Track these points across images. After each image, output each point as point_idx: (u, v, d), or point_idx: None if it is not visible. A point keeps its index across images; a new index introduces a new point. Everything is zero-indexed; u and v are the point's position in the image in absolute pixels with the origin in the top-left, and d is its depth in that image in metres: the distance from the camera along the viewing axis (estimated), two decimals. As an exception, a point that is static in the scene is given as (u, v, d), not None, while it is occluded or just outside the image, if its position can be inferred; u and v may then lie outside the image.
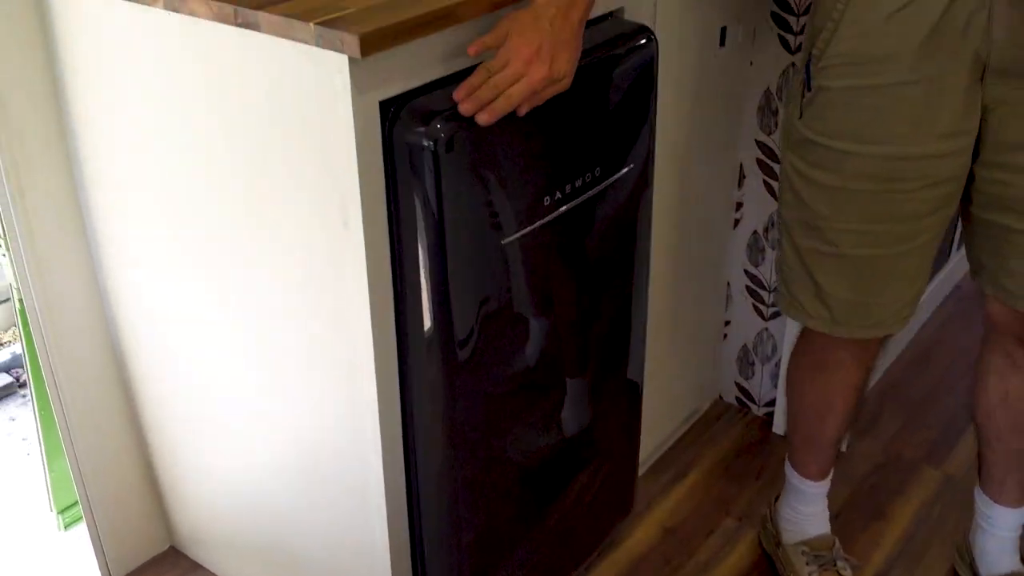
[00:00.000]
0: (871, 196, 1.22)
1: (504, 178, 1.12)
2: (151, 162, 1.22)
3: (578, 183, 1.20)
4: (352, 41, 0.93)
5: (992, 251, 1.27)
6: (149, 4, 1.08)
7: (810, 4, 1.25)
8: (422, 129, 1.02)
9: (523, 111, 1.05)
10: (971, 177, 1.24)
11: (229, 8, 1.01)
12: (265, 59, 1.03)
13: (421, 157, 1.03)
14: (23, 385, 2.15)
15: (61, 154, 1.30)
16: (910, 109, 1.17)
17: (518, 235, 1.15)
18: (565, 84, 1.07)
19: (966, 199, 1.27)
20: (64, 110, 1.27)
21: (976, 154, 1.21)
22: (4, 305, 2.32)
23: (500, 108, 1.03)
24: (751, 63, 1.64)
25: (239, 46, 1.04)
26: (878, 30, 1.14)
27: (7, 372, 2.20)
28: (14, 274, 1.33)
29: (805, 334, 1.46)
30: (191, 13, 1.05)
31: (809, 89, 1.21)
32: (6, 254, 1.33)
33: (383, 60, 0.98)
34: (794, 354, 1.51)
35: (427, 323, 1.13)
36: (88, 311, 1.40)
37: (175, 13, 1.07)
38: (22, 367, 2.04)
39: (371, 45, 0.94)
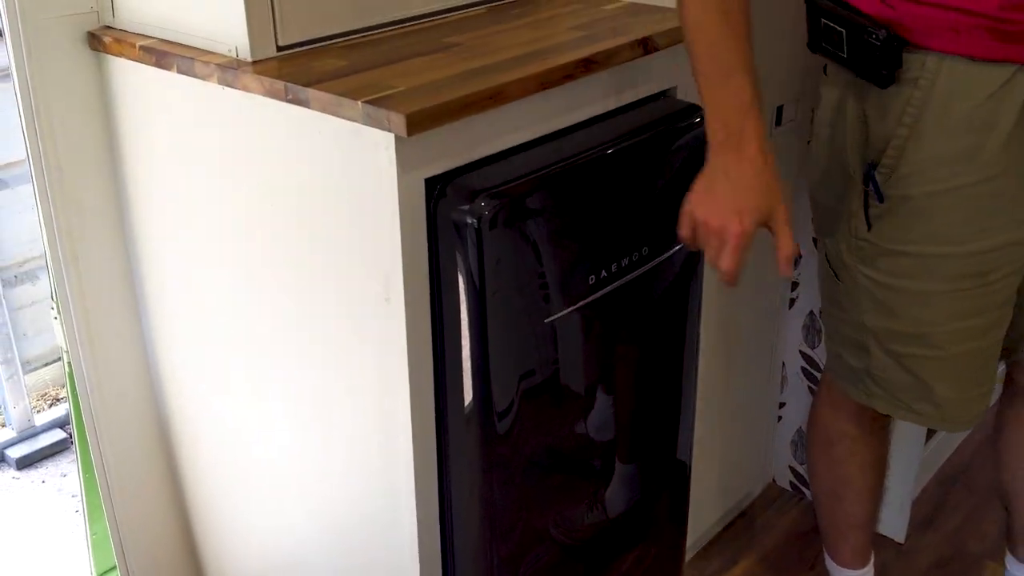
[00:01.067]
0: (969, 293, 1.17)
1: (548, 256, 1.10)
2: (199, 230, 1.24)
3: (624, 262, 1.18)
4: (399, 120, 0.94)
5: None
6: (204, 79, 1.11)
7: (841, 112, 1.19)
8: (466, 206, 1.02)
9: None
10: None
11: (280, 84, 1.03)
12: (314, 134, 1.04)
13: (465, 234, 1.02)
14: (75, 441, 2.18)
15: (115, 221, 1.32)
16: (1002, 200, 1.12)
17: (562, 313, 1.13)
18: (769, 214, 1.05)
19: None
20: (119, 178, 1.30)
21: None
22: (60, 363, 2.37)
23: (732, 269, 1.06)
24: (808, 141, 1.61)
25: (290, 121, 1.05)
26: (962, 127, 1.09)
27: (61, 428, 2.23)
28: (64, 338, 1.35)
29: (813, 410, 1.42)
30: (244, 88, 1.07)
31: (880, 201, 1.16)
32: (58, 317, 1.35)
33: (429, 138, 0.98)
34: (807, 434, 1.47)
35: (467, 398, 1.11)
36: (134, 376, 1.41)
37: (229, 88, 1.08)
38: (75, 424, 2.06)
39: (417, 124, 0.94)
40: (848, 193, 1.20)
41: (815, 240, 1.66)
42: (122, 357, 1.39)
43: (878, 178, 1.15)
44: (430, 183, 1.02)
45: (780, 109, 1.53)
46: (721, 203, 1.04)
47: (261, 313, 1.21)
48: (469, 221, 1.01)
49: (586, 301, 1.15)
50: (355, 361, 1.12)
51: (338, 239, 1.07)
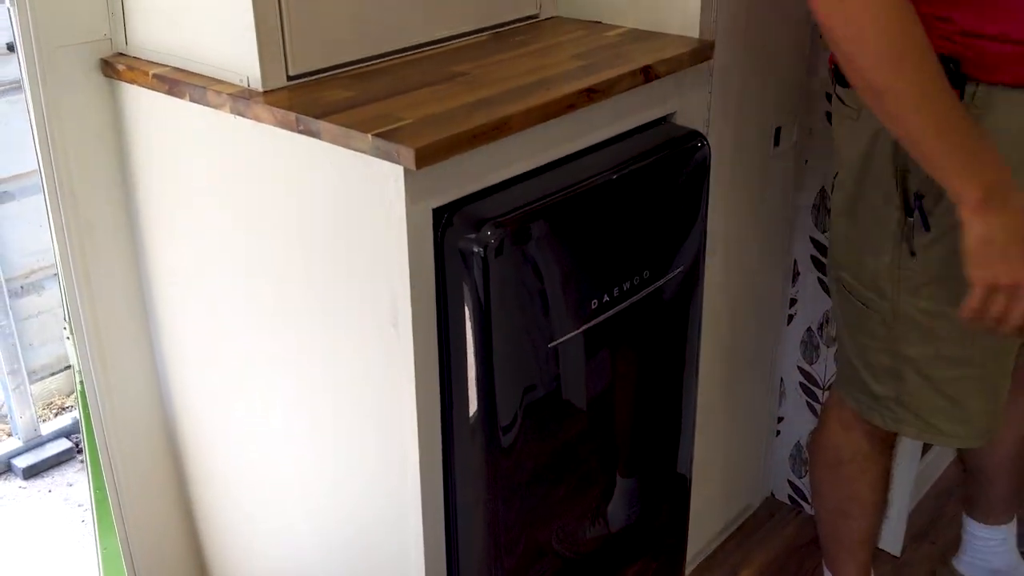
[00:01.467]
0: None
1: (552, 282, 1.13)
2: (209, 254, 1.26)
3: (626, 286, 1.21)
4: (408, 153, 0.96)
5: None
6: (216, 108, 1.13)
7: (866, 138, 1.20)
8: (473, 235, 1.04)
9: None
10: None
11: (292, 116, 1.05)
12: (324, 164, 1.06)
13: (471, 262, 1.05)
14: (81, 451, 2.20)
15: (127, 243, 1.34)
16: None
17: (565, 337, 1.16)
18: None
19: None
20: (131, 201, 1.32)
21: None
22: (66, 372, 2.39)
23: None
24: (806, 161, 1.64)
25: (300, 150, 1.08)
26: (1004, 153, 1.10)
27: (67, 437, 2.25)
28: (77, 357, 1.37)
29: (820, 431, 1.44)
30: (255, 118, 1.09)
31: (927, 229, 1.17)
32: (70, 336, 1.37)
33: (437, 170, 1.00)
34: (811, 453, 1.49)
35: (472, 415, 1.13)
36: (145, 395, 1.44)
37: (240, 117, 1.11)
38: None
39: (426, 158, 0.97)
40: (886, 223, 1.20)
41: (813, 259, 1.69)
42: (133, 376, 1.41)
43: (923, 207, 1.16)
44: (437, 212, 1.04)
45: (778, 131, 1.55)
46: (1013, 260, 1.04)
47: (270, 335, 1.24)
48: (475, 250, 1.04)
49: (589, 325, 1.18)
50: (363, 383, 1.15)
51: (348, 264, 1.09)
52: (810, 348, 1.75)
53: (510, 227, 1.05)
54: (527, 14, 1.40)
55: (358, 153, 1.01)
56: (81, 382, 1.40)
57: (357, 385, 1.16)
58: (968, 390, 1.25)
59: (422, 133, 0.99)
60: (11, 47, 1.27)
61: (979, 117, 1.10)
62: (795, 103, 1.58)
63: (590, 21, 1.40)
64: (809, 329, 1.73)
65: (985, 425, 1.29)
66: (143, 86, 1.21)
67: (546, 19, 1.42)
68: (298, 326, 1.19)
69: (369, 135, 0.99)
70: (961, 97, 1.10)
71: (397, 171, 0.99)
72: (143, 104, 1.24)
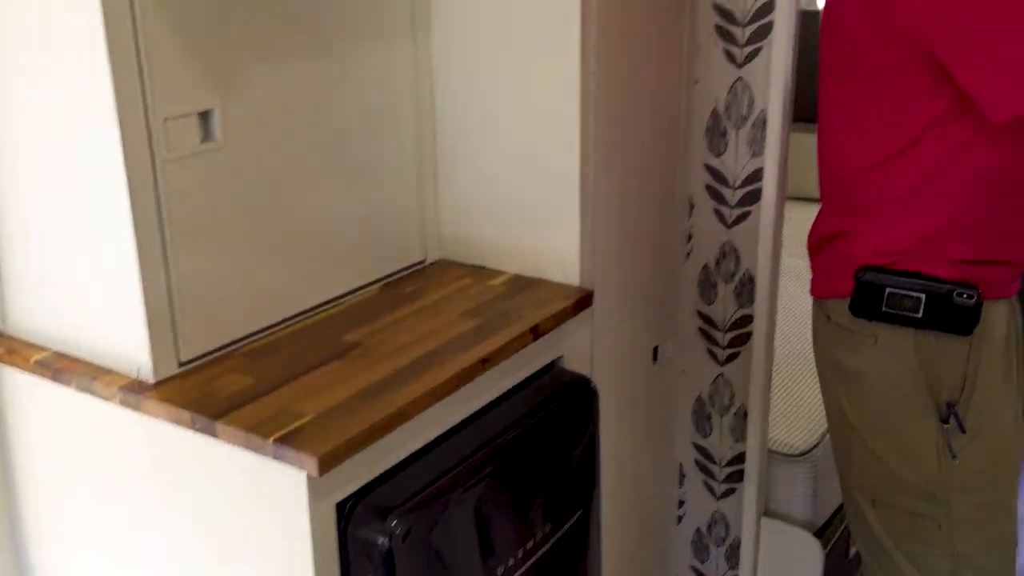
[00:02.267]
0: None
1: (458, 559, 1.13)
2: (97, 545, 1.21)
3: (529, 545, 1.23)
4: (311, 461, 0.97)
5: None
6: (105, 399, 1.11)
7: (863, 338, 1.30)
8: (376, 525, 1.04)
9: None
10: None
11: (187, 414, 1.04)
12: (222, 461, 1.05)
13: (375, 552, 1.04)
14: None
15: (5, 531, 1.28)
16: None
17: (473, 609, 1.16)
18: None
19: None
20: (10, 487, 1.26)
21: None
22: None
23: None
24: (683, 371, 1.72)
25: (197, 445, 1.06)
26: (1003, 350, 1.23)
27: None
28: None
29: None
30: (148, 412, 1.08)
31: (963, 431, 1.26)
32: (-61, 623, 1.29)
33: (339, 469, 1.00)
34: None
35: None
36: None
37: (133, 411, 1.09)
38: None
39: (328, 463, 0.97)
40: (925, 434, 1.28)
41: (697, 462, 1.74)
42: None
43: (958, 412, 1.25)
44: (339, 503, 1.04)
45: (656, 349, 1.63)
46: None
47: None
48: (380, 540, 1.04)
49: (496, 591, 1.18)
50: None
51: (248, 561, 1.07)
52: (700, 548, 1.79)
53: (412, 513, 1.06)
54: (414, 261, 1.44)
55: (259, 455, 1.00)
56: (-49, 671, 1.30)
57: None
58: (1006, 565, 1.34)
59: (323, 432, 1.00)
60: None
61: (984, 328, 1.23)
62: (668, 323, 1.66)
63: (474, 266, 1.45)
64: (698, 530, 1.79)
65: None
66: (23, 370, 1.18)
67: (432, 263, 1.46)
68: (197, 620, 1.15)
69: (270, 441, 0.99)
70: (980, 316, 1.23)
71: (300, 475, 0.98)
72: (23, 388, 1.20)
